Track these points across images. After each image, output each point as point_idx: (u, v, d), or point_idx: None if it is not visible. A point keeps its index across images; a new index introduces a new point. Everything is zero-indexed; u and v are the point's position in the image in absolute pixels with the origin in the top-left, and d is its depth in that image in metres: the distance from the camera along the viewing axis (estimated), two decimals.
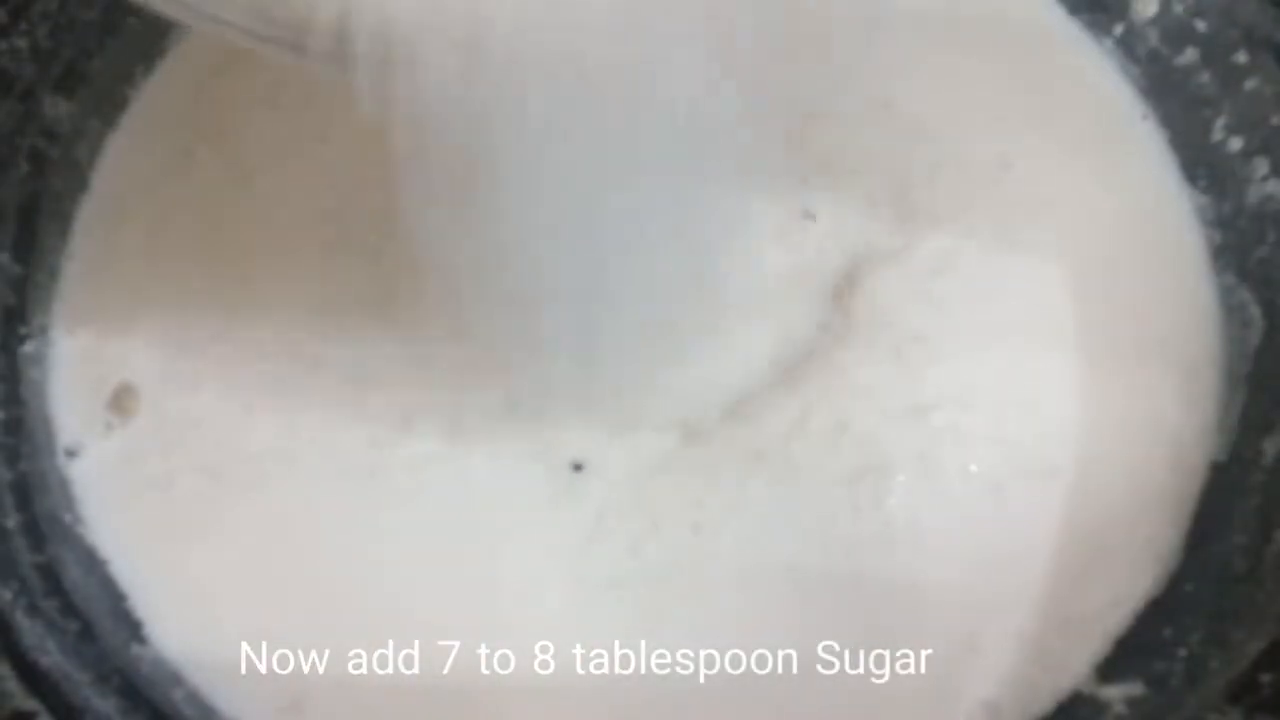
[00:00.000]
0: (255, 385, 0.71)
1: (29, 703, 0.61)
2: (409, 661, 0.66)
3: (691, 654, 0.66)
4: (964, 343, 0.72)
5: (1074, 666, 0.67)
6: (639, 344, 0.67)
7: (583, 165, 0.55)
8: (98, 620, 0.67)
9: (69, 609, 0.66)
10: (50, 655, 0.64)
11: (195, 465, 0.70)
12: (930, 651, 0.67)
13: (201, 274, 0.74)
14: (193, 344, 0.72)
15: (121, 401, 0.71)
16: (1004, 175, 0.76)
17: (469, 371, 0.70)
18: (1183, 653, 0.65)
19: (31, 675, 0.62)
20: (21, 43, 0.72)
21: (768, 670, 0.66)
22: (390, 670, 0.66)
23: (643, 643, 0.66)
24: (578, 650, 0.66)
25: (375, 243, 0.74)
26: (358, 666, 0.66)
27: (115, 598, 0.68)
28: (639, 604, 0.67)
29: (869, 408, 0.70)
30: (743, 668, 0.66)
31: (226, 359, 0.72)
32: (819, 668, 0.66)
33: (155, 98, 0.79)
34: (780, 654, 0.66)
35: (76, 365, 0.73)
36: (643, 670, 0.66)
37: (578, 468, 0.69)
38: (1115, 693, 0.66)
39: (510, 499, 0.69)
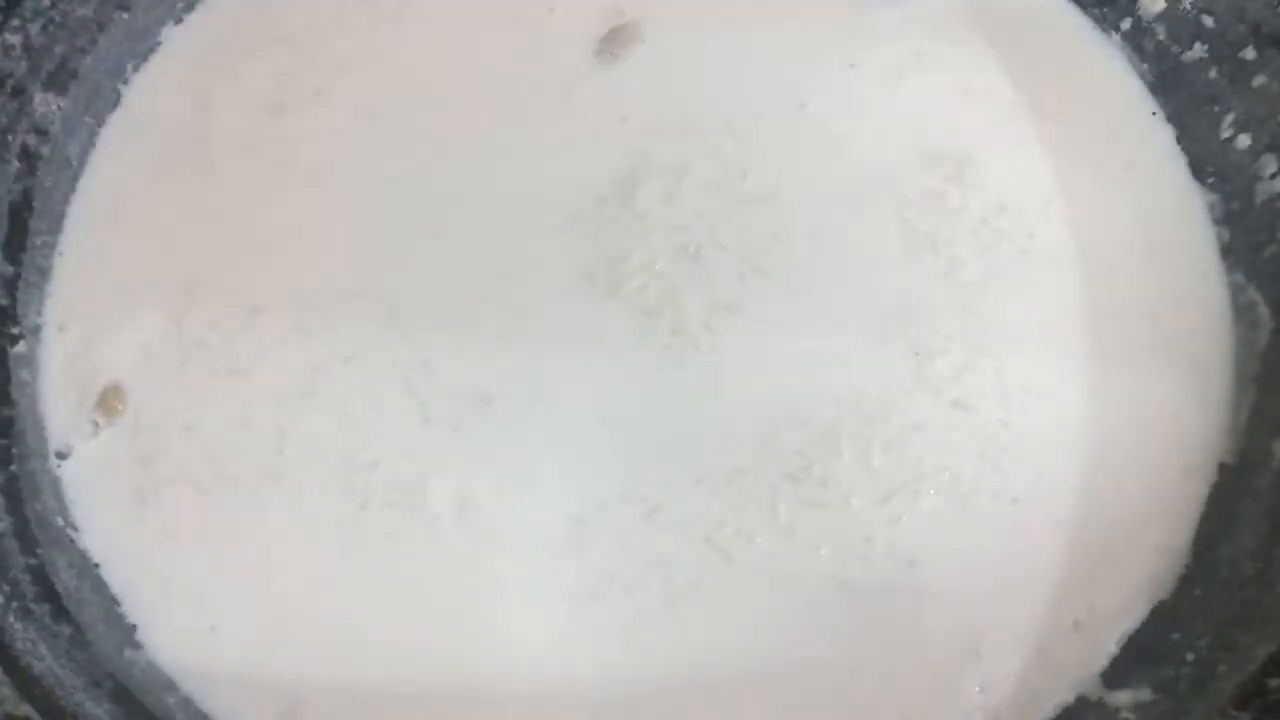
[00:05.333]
0: (245, 386, 0.71)
1: (21, 708, 0.60)
2: (405, 666, 0.65)
3: (696, 656, 0.66)
4: (976, 345, 0.71)
5: (1080, 671, 0.67)
6: None
7: None
8: (90, 625, 0.66)
9: (61, 613, 0.66)
10: (43, 660, 0.63)
11: (185, 469, 0.69)
12: (932, 655, 0.66)
13: (193, 272, 0.73)
14: (182, 344, 0.71)
15: (108, 402, 0.71)
16: (1009, 172, 0.75)
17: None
18: (1190, 657, 0.65)
19: (24, 680, 0.62)
20: (14, 39, 0.71)
21: (770, 672, 0.66)
22: (387, 675, 0.65)
23: (646, 647, 0.66)
24: (575, 654, 0.66)
25: (374, 253, 0.73)
26: (354, 672, 0.66)
27: (108, 602, 0.68)
28: (646, 611, 0.67)
29: (890, 421, 0.70)
30: (746, 669, 0.66)
31: (216, 359, 0.71)
32: (821, 669, 0.66)
33: (148, 95, 0.78)
34: (783, 656, 0.66)
35: (66, 365, 0.72)
36: (640, 673, 0.66)
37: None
38: (1123, 698, 0.65)
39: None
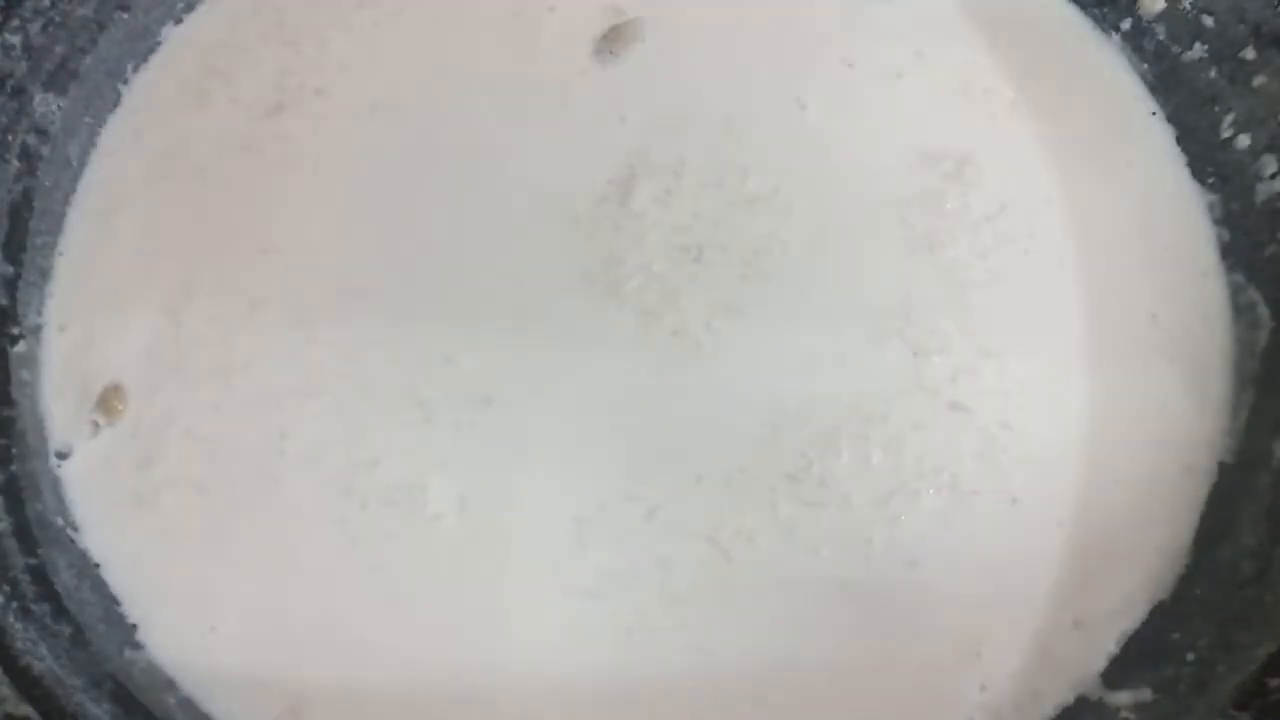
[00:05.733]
0: (245, 386, 0.70)
1: (22, 708, 0.60)
2: (405, 666, 0.65)
3: (696, 656, 0.66)
4: (976, 345, 0.71)
5: (1080, 671, 0.67)
6: None
7: None
8: (90, 625, 0.66)
9: (61, 613, 0.66)
10: (43, 660, 0.63)
11: (185, 469, 0.69)
12: (932, 655, 0.66)
13: (193, 273, 0.73)
14: (182, 344, 0.71)
15: (109, 402, 0.70)
16: (1009, 172, 0.75)
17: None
18: (1190, 657, 0.65)
19: (24, 680, 0.62)
20: (14, 39, 0.71)
21: (770, 672, 0.66)
22: (387, 675, 0.65)
23: (646, 647, 0.66)
24: (574, 654, 0.66)
25: (374, 252, 0.73)
26: (354, 672, 0.65)
27: (108, 602, 0.68)
28: (646, 611, 0.67)
29: (889, 421, 0.70)
30: (746, 669, 0.66)
31: (216, 359, 0.71)
32: (821, 669, 0.66)
33: (147, 95, 0.78)
34: (783, 656, 0.66)
35: (66, 365, 0.72)
36: (640, 672, 0.66)
37: None
38: (1123, 698, 0.65)
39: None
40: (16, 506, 0.67)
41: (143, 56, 0.79)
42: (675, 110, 0.76)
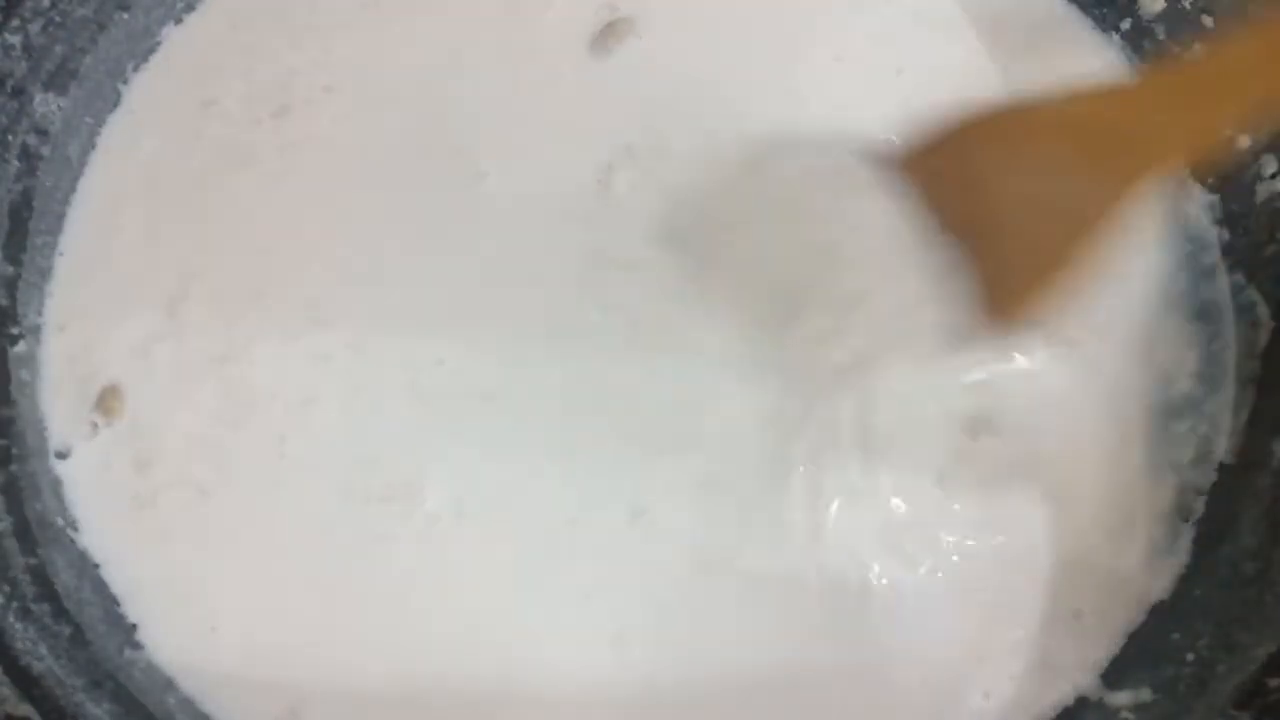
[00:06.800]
0: (244, 386, 0.70)
1: (21, 708, 0.60)
2: (404, 667, 0.65)
3: (699, 658, 0.66)
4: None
5: (1080, 671, 0.67)
6: None
7: None
8: (90, 625, 0.66)
9: (61, 613, 0.66)
10: (43, 660, 0.63)
11: (185, 469, 0.69)
12: (933, 659, 0.66)
13: (193, 273, 0.73)
14: (181, 344, 0.71)
15: (107, 402, 0.70)
16: None
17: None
18: (1190, 657, 0.65)
19: (24, 680, 0.62)
20: (14, 39, 0.71)
21: (767, 679, 0.66)
22: (386, 675, 0.65)
23: (640, 650, 0.66)
24: (574, 654, 0.66)
25: (374, 252, 0.73)
26: (354, 672, 0.65)
27: (108, 602, 0.68)
28: (640, 614, 0.67)
29: (887, 417, 0.69)
30: (742, 676, 0.66)
31: (215, 360, 0.71)
32: (822, 674, 0.66)
33: (148, 95, 0.78)
34: (780, 663, 0.66)
35: (65, 365, 0.72)
36: (634, 676, 0.66)
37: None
38: (1123, 698, 0.65)
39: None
40: (16, 506, 0.67)
41: (143, 56, 0.78)
42: (672, 107, 0.76)
